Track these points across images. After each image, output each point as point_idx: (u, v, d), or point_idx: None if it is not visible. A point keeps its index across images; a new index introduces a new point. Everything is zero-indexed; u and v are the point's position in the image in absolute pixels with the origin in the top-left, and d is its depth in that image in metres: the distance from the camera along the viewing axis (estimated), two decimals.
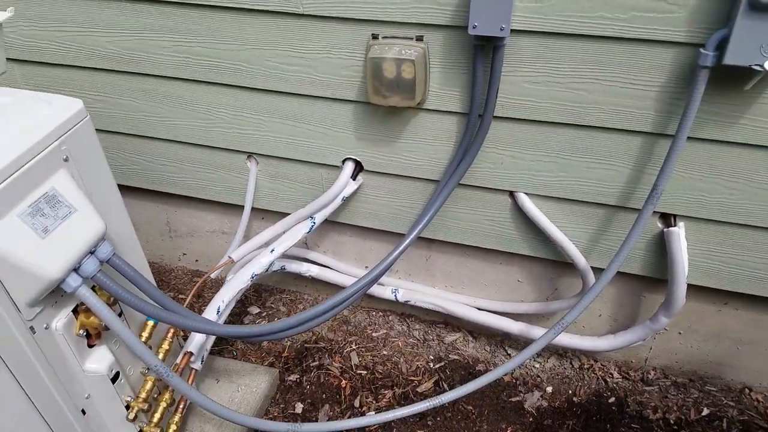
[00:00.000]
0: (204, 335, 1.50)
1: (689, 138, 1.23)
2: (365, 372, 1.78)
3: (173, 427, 1.37)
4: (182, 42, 1.48)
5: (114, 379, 1.18)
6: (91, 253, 1.03)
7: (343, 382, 1.76)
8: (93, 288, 1.08)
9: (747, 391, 1.66)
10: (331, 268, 1.86)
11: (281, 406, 1.70)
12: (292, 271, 1.83)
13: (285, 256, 1.84)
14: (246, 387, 1.67)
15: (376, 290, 1.82)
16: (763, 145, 1.21)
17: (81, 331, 1.11)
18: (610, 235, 1.46)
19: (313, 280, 1.88)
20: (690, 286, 1.45)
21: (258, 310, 2.00)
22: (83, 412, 1.17)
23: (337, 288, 1.86)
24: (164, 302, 1.14)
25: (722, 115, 1.21)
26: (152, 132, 1.68)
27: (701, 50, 1.10)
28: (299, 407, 1.70)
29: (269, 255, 1.61)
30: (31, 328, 1.01)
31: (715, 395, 1.65)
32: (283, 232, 1.64)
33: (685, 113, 1.17)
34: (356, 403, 1.70)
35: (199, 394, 1.20)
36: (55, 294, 1.04)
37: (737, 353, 1.62)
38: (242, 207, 1.72)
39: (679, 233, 1.37)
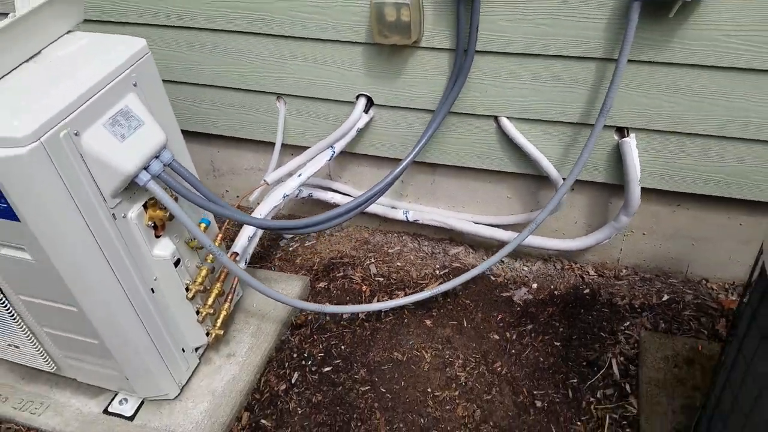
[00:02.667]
0: (247, 241, 1.73)
1: (630, 60, 1.39)
2: (382, 279, 2.00)
3: (224, 312, 1.60)
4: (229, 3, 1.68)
5: (176, 265, 1.42)
6: (156, 157, 1.26)
7: (364, 287, 1.98)
8: None
9: (704, 282, 1.83)
10: (352, 196, 2.07)
11: (312, 298, 1.93)
12: (320, 198, 2.04)
13: (312, 185, 2.06)
14: (282, 290, 1.90)
15: (390, 213, 2.02)
16: (692, 63, 1.37)
17: (150, 223, 1.34)
18: (576, 149, 1.63)
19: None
20: (646, 190, 1.62)
21: (290, 236, 2.22)
22: (152, 290, 1.40)
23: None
24: (215, 200, 1.37)
25: (655, 40, 1.36)
26: (198, 79, 1.89)
27: None
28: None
29: (297, 179, 1.81)
30: (113, 215, 1.24)
31: (675, 286, 1.83)
32: (309, 160, 1.85)
33: (624, 39, 1.33)
34: (374, 302, 1.91)
35: (247, 274, 1.43)
36: (130, 189, 1.26)
37: (693, 249, 1.78)
38: (274, 144, 1.93)
39: (631, 143, 1.54)
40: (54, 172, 1.09)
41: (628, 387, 1.58)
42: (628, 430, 1.49)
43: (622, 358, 1.65)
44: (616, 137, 1.57)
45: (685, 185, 1.60)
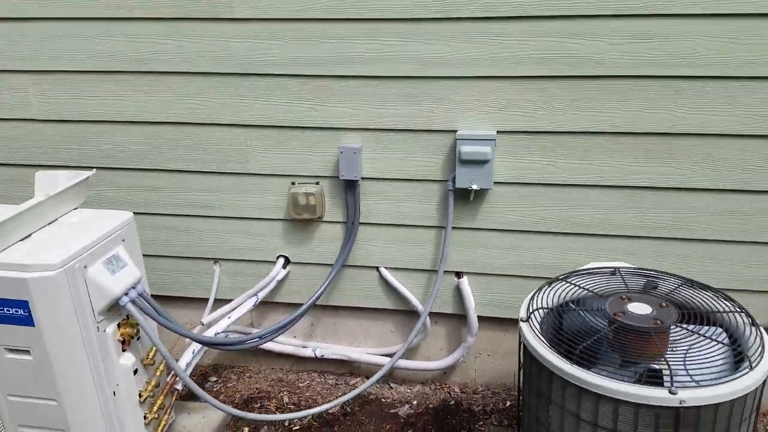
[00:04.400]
0: (191, 354, 2.18)
1: (454, 227, 2.16)
2: (293, 406, 2.44)
3: (163, 422, 2.01)
4: (182, 194, 2.36)
5: (134, 373, 1.87)
6: (134, 288, 1.80)
7: (278, 413, 2.40)
8: (127, 317, 1.82)
9: None
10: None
11: (234, 425, 2.33)
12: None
13: (239, 332, 2.56)
14: (209, 415, 2.30)
15: (301, 351, 2.54)
16: (487, 228, 2.14)
17: (120, 338, 1.82)
18: (431, 288, 2.30)
19: (255, 352, 2.59)
20: (482, 318, 2.28)
21: (215, 379, 2.64)
22: (114, 393, 1.83)
23: (275, 355, 2.57)
24: (172, 320, 1.89)
25: (465, 214, 2.14)
26: (154, 251, 2.48)
27: (448, 182, 2.06)
28: (246, 430, 2.32)
29: (227, 320, 2.34)
30: (98, 328, 1.74)
31: (514, 394, 2.40)
32: (236, 307, 2.41)
33: (447, 214, 2.10)
34: (286, 424, 2.34)
35: (190, 380, 1.89)
36: (111, 311, 1.78)
37: None
38: (207, 299, 2.47)
39: (464, 282, 2.23)
40: (68, 291, 1.62)
41: None
42: None
43: None
44: (455, 279, 2.27)
45: (505, 312, 2.27)
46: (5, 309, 1.61)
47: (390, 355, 2.46)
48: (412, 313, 2.40)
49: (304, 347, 2.55)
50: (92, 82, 2.26)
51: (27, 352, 1.66)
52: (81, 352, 1.69)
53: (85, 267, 1.67)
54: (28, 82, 2.32)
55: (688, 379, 1.31)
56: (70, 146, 2.38)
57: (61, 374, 1.67)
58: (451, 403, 2.39)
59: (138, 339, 1.89)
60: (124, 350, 1.85)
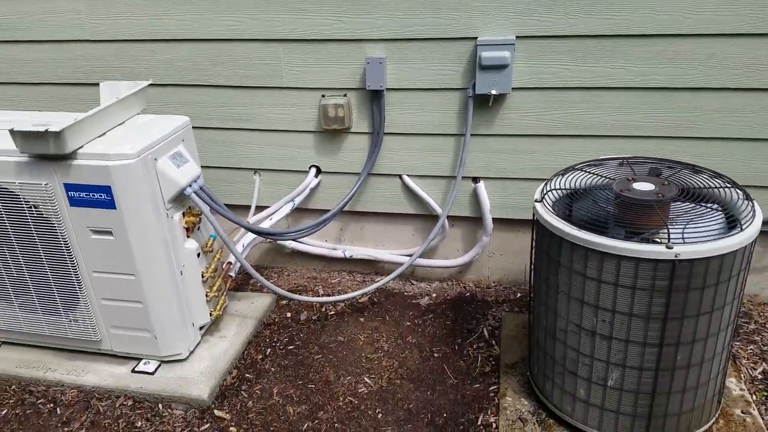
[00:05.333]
0: (242, 248, 2.45)
1: (472, 134, 2.38)
2: (327, 297, 2.73)
3: (221, 300, 2.29)
4: (224, 108, 2.58)
5: (197, 257, 2.14)
6: (195, 181, 2.05)
7: (315, 302, 2.70)
8: (189, 208, 2.08)
9: None
10: (304, 243, 2.87)
11: (278, 311, 2.63)
12: (281, 244, 2.83)
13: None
14: (257, 302, 2.60)
15: (332, 253, 2.82)
16: (504, 134, 2.36)
17: (185, 225, 2.09)
18: (450, 193, 2.55)
19: (292, 255, 2.88)
20: (496, 220, 2.53)
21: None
22: (181, 273, 2.11)
23: (309, 257, 2.85)
24: (228, 211, 2.14)
25: (484, 120, 2.36)
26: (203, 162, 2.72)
27: (468, 89, 2.27)
28: (288, 314, 2.62)
29: (269, 221, 2.61)
30: (167, 214, 2.00)
31: (524, 288, 2.68)
32: (276, 211, 2.67)
33: (467, 121, 2.32)
34: (323, 309, 2.64)
35: (246, 262, 2.16)
36: (176, 201, 2.03)
37: None
38: (249, 207, 2.73)
39: (481, 186, 2.47)
40: (143, 178, 1.87)
41: (493, 341, 2.36)
42: (492, 362, 2.24)
43: (489, 328, 2.44)
44: (472, 184, 2.51)
45: (518, 214, 2.52)
46: (91, 194, 1.86)
47: (408, 256, 2.73)
48: (431, 217, 2.66)
49: (334, 249, 2.83)
50: (139, 3, 2.44)
51: (110, 233, 1.93)
52: (155, 234, 1.95)
53: (155, 159, 1.92)
54: (81, 5, 2.50)
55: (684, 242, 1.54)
56: (122, 64, 2.58)
57: (138, 252, 1.94)
58: (467, 294, 2.68)
59: (198, 228, 2.15)
60: (188, 236, 2.11)
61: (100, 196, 1.86)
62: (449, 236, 2.69)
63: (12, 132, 1.77)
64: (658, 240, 1.57)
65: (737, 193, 1.71)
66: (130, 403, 2.10)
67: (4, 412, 2.09)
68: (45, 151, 1.80)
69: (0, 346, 2.32)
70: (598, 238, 1.58)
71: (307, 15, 2.33)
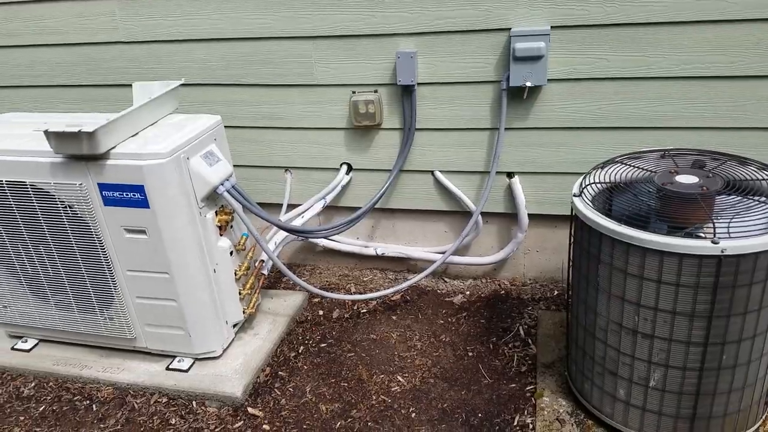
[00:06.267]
0: (274, 245, 2.45)
1: (507, 128, 2.31)
2: (359, 295, 2.70)
3: (254, 298, 2.29)
4: (255, 107, 2.58)
5: (230, 255, 2.14)
6: (227, 180, 2.04)
7: (347, 299, 2.68)
8: (222, 207, 2.08)
9: None
10: (335, 241, 2.84)
11: (310, 308, 2.61)
12: (312, 241, 2.81)
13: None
14: (288, 299, 2.59)
15: (364, 251, 2.79)
16: (539, 126, 2.29)
17: (217, 224, 2.08)
18: (483, 189, 2.49)
19: (324, 252, 2.86)
20: (532, 216, 2.46)
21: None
22: (214, 270, 2.11)
23: (341, 254, 2.83)
24: (260, 210, 2.13)
25: (518, 113, 2.29)
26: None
27: (502, 82, 2.21)
28: (321, 312, 2.60)
29: (301, 219, 2.59)
30: (200, 212, 2.00)
31: (562, 285, 2.60)
32: (307, 209, 2.65)
33: (501, 114, 2.25)
34: (355, 307, 2.61)
35: (278, 259, 2.15)
36: (209, 200, 2.03)
37: None
38: (280, 205, 2.72)
39: (516, 182, 2.41)
40: (176, 177, 1.87)
41: (529, 340, 2.29)
42: (529, 361, 2.18)
43: (525, 326, 2.38)
44: (507, 179, 2.45)
45: (555, 209, 2.45)
46: (125, 193, 1.87)
47: (441, 254, 2.67)
48: (465, 214, 2.60)
49: (366, 247, 2.80)
50: (172, 3, 2.45)
51: (143, 232, 1.93)
52: (188, 233, 1.95)
53: (187, 158, 1.92)
54: (114, 7, 2.53)
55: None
56: (155, 65, 2.60)
57: (172, 251, 1.95)
58: (502, 292, 2.62)
59: (231, 227, 2.14)
60: (221, 235, 2.11)
61: (134, 195, 1.87)
62: (483, 233, 2.63)
63: (46, 133, 1.79)
64: (703, 235, 1.49)
65: None
66: (164, 400, 2.11)
67: (41, 409, 2.13)
68: (78, 151, 1.82)
69: (37, 345, 2.36)
70: (640, 234, 1.51)
71: (338, 10, 2.30)
